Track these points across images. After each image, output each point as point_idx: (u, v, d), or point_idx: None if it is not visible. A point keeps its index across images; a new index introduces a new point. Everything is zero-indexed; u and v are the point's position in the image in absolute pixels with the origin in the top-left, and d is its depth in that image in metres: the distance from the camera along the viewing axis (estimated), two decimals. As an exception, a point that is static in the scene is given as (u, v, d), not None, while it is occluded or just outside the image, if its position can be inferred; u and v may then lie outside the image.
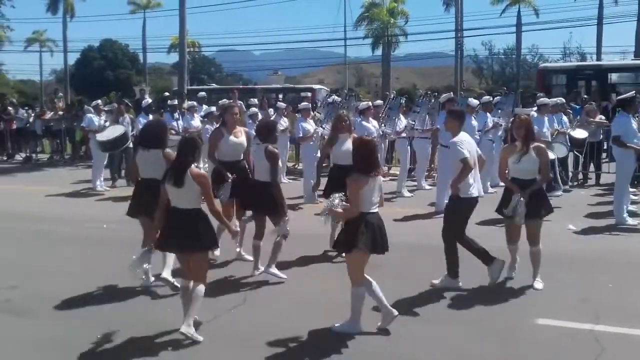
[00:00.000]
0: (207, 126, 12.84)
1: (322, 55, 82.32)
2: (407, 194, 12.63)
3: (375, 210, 5.33)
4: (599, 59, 41.00)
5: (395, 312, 5.40)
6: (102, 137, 12.94)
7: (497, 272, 6.59)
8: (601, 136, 13.89)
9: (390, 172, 14.04)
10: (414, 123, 12.63)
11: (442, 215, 10.16)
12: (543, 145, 6.52)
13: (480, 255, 6.63)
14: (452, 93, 12.10)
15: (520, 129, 6.49)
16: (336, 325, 5.43)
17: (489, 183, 12.81)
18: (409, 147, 13.14)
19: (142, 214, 6.52)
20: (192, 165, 5.32)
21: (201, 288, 5.32)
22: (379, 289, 5.38)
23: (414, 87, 61.93)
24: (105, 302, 6.23)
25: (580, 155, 13.74)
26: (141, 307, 6.11)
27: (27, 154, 20.37)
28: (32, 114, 20.64)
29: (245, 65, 76.97)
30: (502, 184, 13.08)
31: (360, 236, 5.16)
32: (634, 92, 10.53)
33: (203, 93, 18.15)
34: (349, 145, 7.21)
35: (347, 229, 5.36)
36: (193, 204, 5.34)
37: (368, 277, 5.37)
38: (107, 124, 13.85)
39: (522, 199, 6.31)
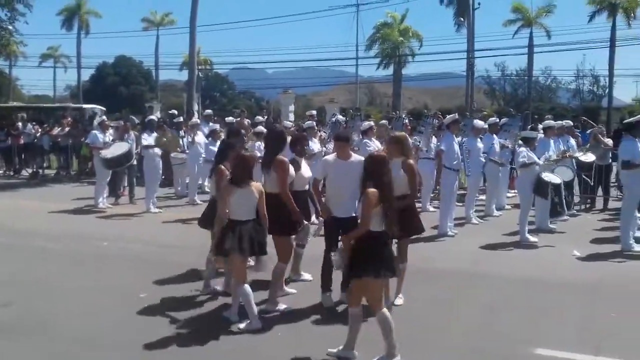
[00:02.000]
0: (211, 147, 12.49)
1: (335, 74, 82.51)
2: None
3: (247, 219, 5.83)
4: (611, 81, 40.81)
5: (260, 325, 5.81)
6: (106, 154, 12.94)
7: (329, 300, 6.61)
8: (610, 160, 13.70)
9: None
10: (419, 143, 12.51)
11: (444, 238, 10.20)
12: (372, 191, 4.97)
13: (324, 277, 6.57)
14: (456, 114, 11.93)
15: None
16: (240, 326, 5.85)
17: (494, 206, 12.66)
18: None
19: None
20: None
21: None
22: (251, 294, 5.87)
23: (425, 107, 61.87)
24: (103, 322, 6.07)
25: (589, 180, 13.54)
26: (140, 327, 5.97)
27: (34, 170, 20.41)
28: (40, 130, 20.71)
29: (257, 83, 77.54)
30: (508, 206, 13.13)
31: (228, 241, 5.76)
32: None
33: (209, 111, 18.13)
34: (399, 170, 6.43)
35: (219, 235, 5.95)
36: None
37: (247, 285, 5.91)
38: (112, 140, 13.81)
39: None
